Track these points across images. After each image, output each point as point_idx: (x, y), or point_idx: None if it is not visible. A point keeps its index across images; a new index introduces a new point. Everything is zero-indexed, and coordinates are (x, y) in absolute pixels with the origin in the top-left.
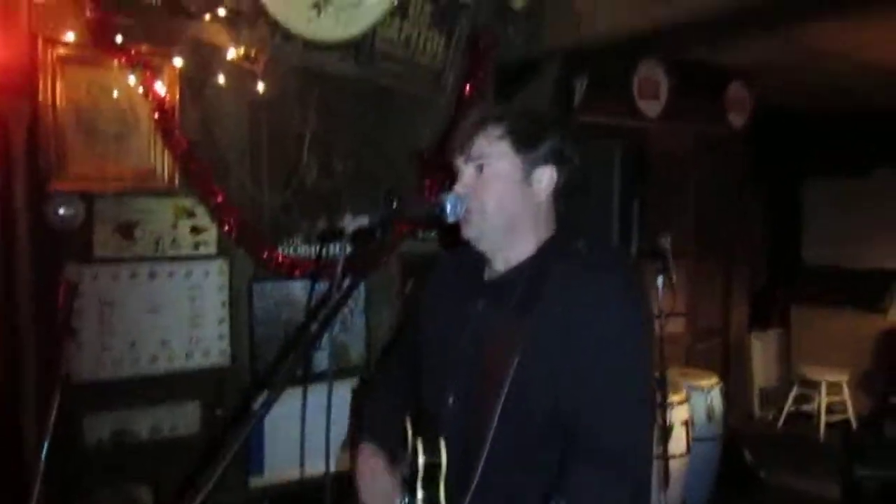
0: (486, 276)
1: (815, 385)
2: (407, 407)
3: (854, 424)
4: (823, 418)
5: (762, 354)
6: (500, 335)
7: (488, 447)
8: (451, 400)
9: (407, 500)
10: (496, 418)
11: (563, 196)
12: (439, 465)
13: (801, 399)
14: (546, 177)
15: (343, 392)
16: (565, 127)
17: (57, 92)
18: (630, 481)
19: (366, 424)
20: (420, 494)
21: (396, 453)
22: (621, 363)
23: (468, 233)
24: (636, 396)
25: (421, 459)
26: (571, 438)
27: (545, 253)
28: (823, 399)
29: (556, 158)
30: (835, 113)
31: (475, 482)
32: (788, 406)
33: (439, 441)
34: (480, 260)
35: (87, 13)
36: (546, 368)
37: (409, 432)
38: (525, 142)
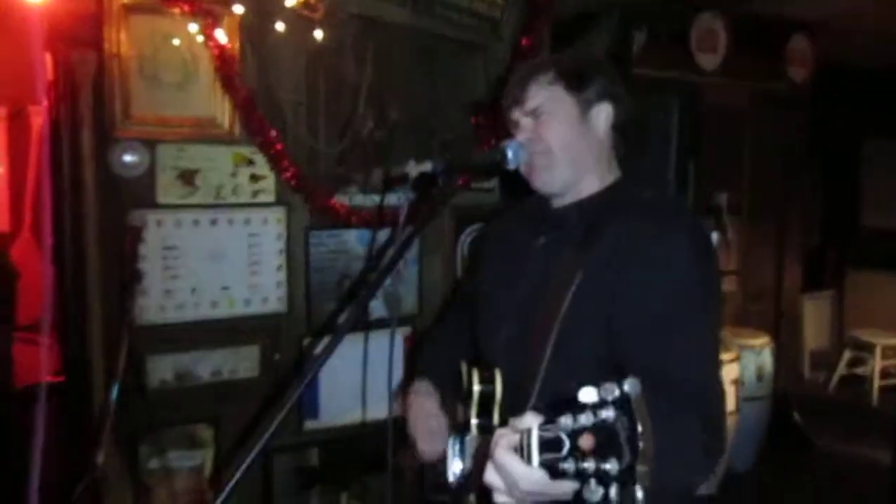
0: (550, 212)
1: (868, 348)
2: (464, 353)
3: None
4: (877, 382)
5: (814, 316)
6: (557, 269)
7: (541, 377)
8: (504, 332)
9: (458, 440)
10: (549, 349)
11: (622, 134)
12: (493, 395)
13: (855, 362)
14: (603, 113)
15: (397, 340)
16: (612, 69)
17: (121, 41)
18: (704, 424)
19: (421, 366)
20: (474, 423)
21: (449, 397)
22: (689, 301)
23: (538, 180)
24: (705, 335)
25: (476, 388)
26: (637, 371)
27: (610, 192)
28: (878, 362)
29: (611, 95)
30: None
31: (532, 398)
32: (841, 369)
33: (494, 371)
34: (544, 205)
35: None
36: (602, 303)
37: (465, 369)
38: (577, 82)
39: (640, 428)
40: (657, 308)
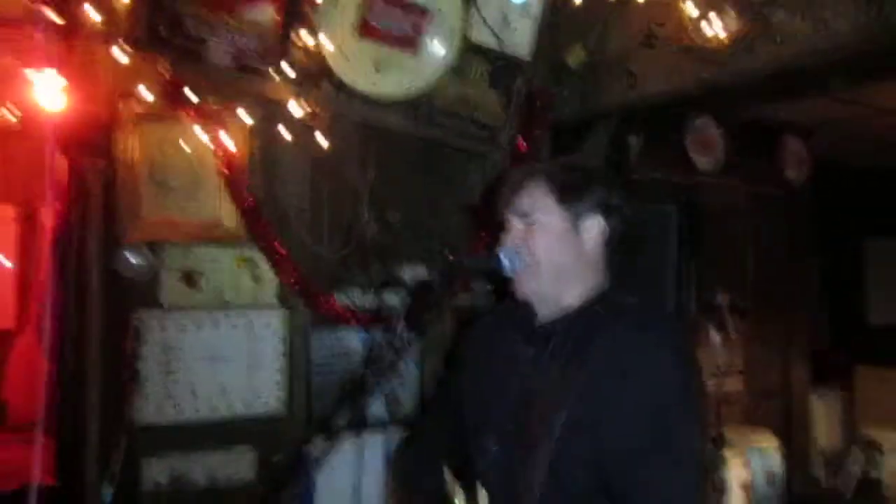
0: (535, 325)
1: (878, 447)
2: (447, 457)
3: None
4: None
5: (825, 416)
6: (547, 387)
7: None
8: (493, 448)
9: None
10: (546, 472)
11: (615, 246)
12: None
13: (869, 463)
14: (595, 227)
15: (395, 442)
16: (612, 177)
17: (131, 147)
18: None
19: (409, 475)
20: None
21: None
22: (670, 425)
23: (521, 289)
24: (685, 458)
25: None
26: (620, 499)
27: (594, 304)
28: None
29: (603, 208)
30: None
31: None
32: (855, 473)
33: (477, 488)
34: (529, 311)
35: (163, 72)
36: (592, 425)
37: (449, 481)
38: (569, 194)
39: None
40: (641, 433)
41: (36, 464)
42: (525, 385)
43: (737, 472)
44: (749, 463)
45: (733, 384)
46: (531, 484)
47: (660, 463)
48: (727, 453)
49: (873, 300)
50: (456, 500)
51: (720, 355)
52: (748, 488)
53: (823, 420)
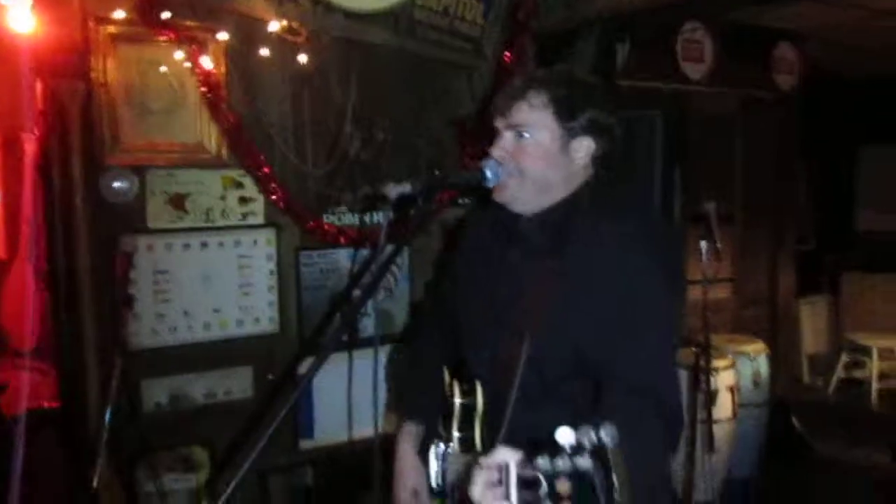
0: (518, 226)
1: (866, 351)
2: (446, 362)
3: None
4: (875, 385)
5: (811, 321)
6: (529, 279)
7: (516, 387)
8: (482, 342)
9: (442, 449)
10: (523, 359)
11: (599, 165)
12: (475, 407)
13: (852, 366)
14: (584, 147)
15: (389, 352)
16: (608, 97)
17: (108, 70)
18: (662, 410)
19: (406, 399)
20: (456, 436)
21: (436, 422)
22: (645, 302)
23: (501, 196)
24: (659, 332)
25: (457, 402)
26: (603, 374)
27: (574, 200)
28: (875, 365)
29: (595, 129)
30: (890, 77)
31: (505, 423)
32: (839, 373)
33: (475, 384)
34: (512, 216)
35: None
36: (570, 310)
37: (447, 379)
38: (566, 112)
39: (616, 481)
40: (617, 313)
41: (24, 388)
42: (510, 282)
43: (724, 376)
44: (736, 367)
45: (721, 291)
46: (512, 370)
47: (632, 331)
48: (715, 359)
49: (860, 206)
50: (456, 396)
51: (708, 263)
52: (735, 391)
53: (810, 325)
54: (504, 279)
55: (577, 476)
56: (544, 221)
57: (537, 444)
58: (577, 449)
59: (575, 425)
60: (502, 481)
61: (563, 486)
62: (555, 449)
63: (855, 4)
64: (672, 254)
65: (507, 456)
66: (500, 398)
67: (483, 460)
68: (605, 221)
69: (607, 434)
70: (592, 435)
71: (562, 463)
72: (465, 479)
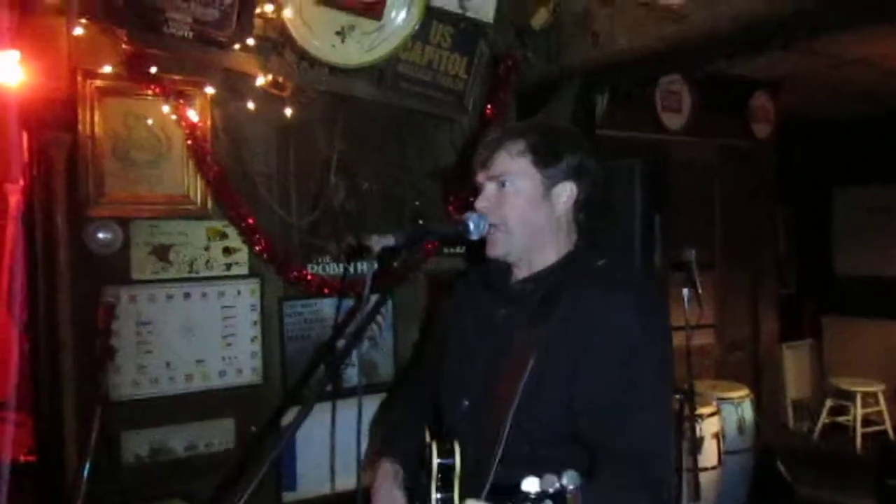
0: (509, 285)
1: (849, 396)
2: (428, 416)
3: (892, 435)
4: (859, 430)
5: (794, 366)
6: (516, 341)
7: (501, 449)
8: (465, 403)
9: None
10: (510, 420)
11: (583, 209)
12: (454, 467)
13: (837, 411)
14: (566, 192)
15: (373, 408)
16: (585, 142)
17: (95, 122)
18: (648, 482)
19: (386, 439)
20: (435, 496)
21: (415, 468)
22: (637, 369)
23: (493, 252)
24: (653, 401)
25: (435, 462)
26: (592, 446)
27: (565, 265)
28: (859, 410)
29: (576, 173)
30: (863, 119)
31: (488, 484)
32: (823, 418)
33: (454, 443)
34: (505, 272)
35: (123, 46)
36: (559, 374)
37: (428, 438)
38: (545, 158)
39: None
40: (607, 380)
41: (7, 441)
42: (498, 344)
43: (709, 423)
44: (721, 413)
45: (704, 338)
46: (498, 433)
47: (630, 408)
48: (699, 406)
49: (839, 251)
50: (433, 455)
51: (690, 310)
52: (720, 437)
53: (793, 370)
54: (491, 340)
55: None
56: (535, 286)
57: (503, 492)
58: (542, 496)
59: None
60: None
61: None
62: (521, 497)
63: (822, 53)
64: (663, 321)
65: None
66: (481, 461)
67: None
68: (595, 287)
69: (569, 480)
70: (556, 482)
71: None
72: None
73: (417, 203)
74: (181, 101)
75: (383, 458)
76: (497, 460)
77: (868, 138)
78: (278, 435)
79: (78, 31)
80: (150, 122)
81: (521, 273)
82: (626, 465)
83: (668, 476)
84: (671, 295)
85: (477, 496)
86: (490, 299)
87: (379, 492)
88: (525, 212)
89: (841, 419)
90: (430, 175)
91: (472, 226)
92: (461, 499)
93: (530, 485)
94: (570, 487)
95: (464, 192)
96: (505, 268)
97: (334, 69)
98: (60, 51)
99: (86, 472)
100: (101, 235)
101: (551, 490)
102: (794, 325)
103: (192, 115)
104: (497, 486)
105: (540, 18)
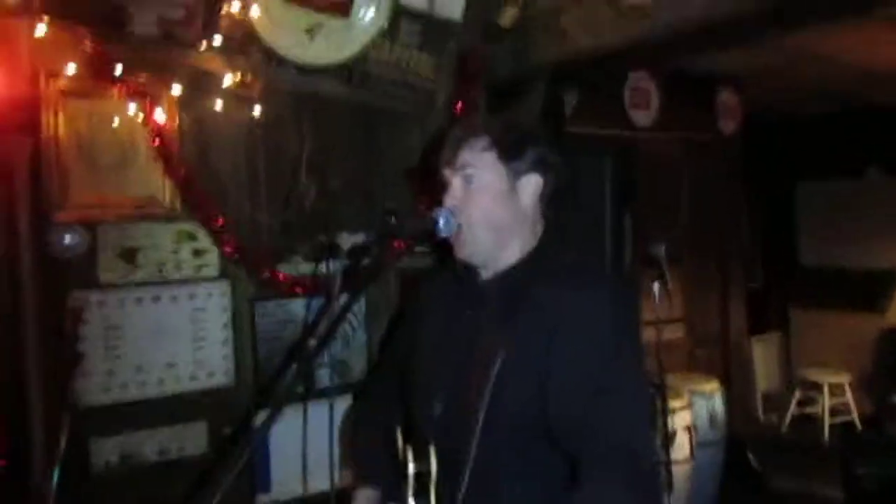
0: (475, 285)
1: (817, 387)
2: (397, 419)
3: (858, 425)
4: (827, 420)
5: (763, 358)
6: (483, 341)
7: (474, 454)
8: (437, 407)
9: None
10: (480, 424)
11: (549, 202)
12: (429, 473)
13: (805, 402)
14: (531, 185)
15: (346, 408)
16: (547, 136)
17: (58, 124)
18: (634, 480)
19: (360, 462)
20: (411, 502)
21: (392, 483)
22: (613, 364)
23: (461, 253)
24: (633, 395)
25: (411, 468)
26: (574, 446)
27: (530, 261)
28: (826, 401)
29: (541, 166)
30: (825, 114)
31: (463, 490)
32: (792, 409)
33: (428, 449)
34: (472, 271)
35: (86, 45)
36: (528, 374)
37: (400, 443)
38: (509, 151)
39: None
40: (582, 376)
41: None
42: (466, 345)
43: (681, 416)
44: (692, 407)
45: (674, 332)
46: (471, 434)
47: (610, 404)
48: (671, 399)
49: (803, 243)
50: (408, 461)
51: (660, 305)
52: (692, 430)
53: (762, 362)
54: (459, 341)
55: None
56: (503, 284)
57: None
58: None
59: (536, 489)
60: None
61: None
62: None
63: (786, 50)
64: (629, 312)
65: None
66: (454, 464)
67: None
68: (560, 285)
69: None
70: None
71: None
72: None
73: (388, 201)
74: (147, 101)
75: (362, 483)
76: (469, 467)
77: (830, 134)
78: (248, 436)
79: (40, 30)
80: (115, 123)
81: (486, 273)
82: (615, 462)
83: (656, 463)
84: (641, 289)
85: (453, 501)
86: (457, 299)
87: None
88: (492, 208)
89: (809, 410)
90: (401, 173)
91: (441, 222)
92: None
93: None
94: None
95: (434, 189)
96: (471, 267)
97: (302, 68)
98: (21, 51)
99: (55, 480)
100: (66, 240)
101: None
102: (762, 317)
103: (159, 115)
104: None
105: (508, 17)
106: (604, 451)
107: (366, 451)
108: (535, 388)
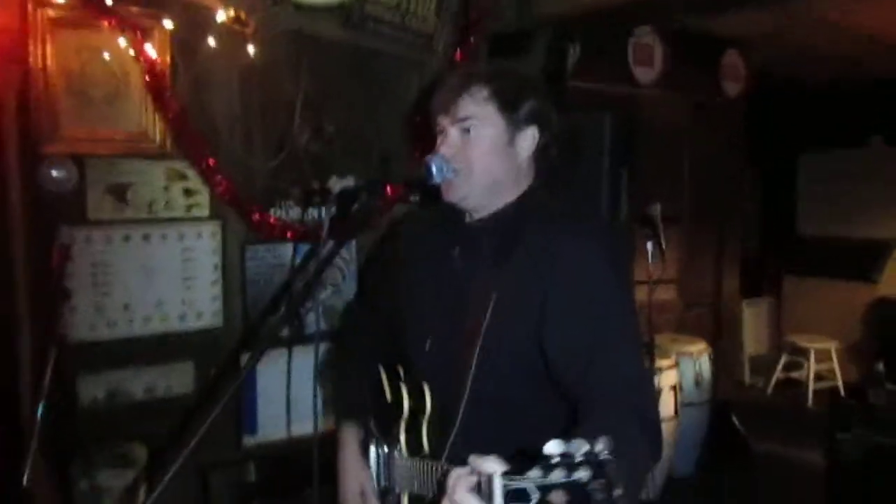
0: (464, 226)
1: (804, 352)
2: (381, 360)
3: (842, 391)
4: (812, 386)
5: (753, 322)
6: (476, 282)
7: (468, 391)
8: (428, 345)
9: (382, 454)
10: (475, 362)
11: (542, 154)
12: (423, 411)
13: (791, 367)
14: (529, 137)
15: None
16: (543, 87)
17: (47, 55)
18: (644, 424)
19: (345, 398)
20: (403, 438)
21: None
22: (611, 309)
23: (452, 196)
24: (631, 338)
25: (406, 405)
26: (572, 389)
27: (521, 203)
28: (812, 366)
29: (539, 119)
30: (829, 85)
31: (457, 426)
32: (778, 373)
33: (423, 386)
34: (459, 213)
35: None
36: (523, 314)
37: (386, 380)
38: (509, 103)
39: (616, 493)
40: (581, 324)
41: None
42: (457, 284)
43: (667, 376)
44: (679, 367)
45: (666, 293)
46: (466, 371)
47: (609, 345)
48: (658, 358)
49: (802, 212)
50: (403, 399)
51: (653, 265)
52: (677, 390)
53: (751, 326)
54: (449, 281)
55: (573, 488)
56: (493, 225)
57: (527, 457)
58: (574, 463)
59: (532, 433)
60: (483, 490)
61: (559, 498)
62: (549, 463)
63: (796, 15)
64: (624, 259)
65: (492, 465)
66: (448, 404)
67: (460, 469)
68: (555, 227)
69: (604, 446)
70: (585, 447)
71: (556, 475)
72: (423, 482)
73: (385, 146)
74: (139, 34)
75: (347, 422)
76: (465, 401)
77: (834, 103)
78: (234, 377)
79: None
80: (106, 56)
81: (477, 214)
82: (619, 411)
83: (657, 415)
84: (635, 248)
85: (445, 438)
86: (444, 240)
87: (344, 464)
88: (490, 158)
89: (794, 374)
90: (398, 118)
91: (434, 169)
92: (429, 442)
93: (555, 447)
94: (609, 457)
95: (431, 136)
96: (459, 209)
97: (300, 7)
98: None
99: (40, 415)
100: (55, 173)
101: (583, 457)
102: (756, 282)
103: (151, 50)
104: (518, 448)
105: None
106: (609, 402)
107: (350, 390)
108: (531, 326)
